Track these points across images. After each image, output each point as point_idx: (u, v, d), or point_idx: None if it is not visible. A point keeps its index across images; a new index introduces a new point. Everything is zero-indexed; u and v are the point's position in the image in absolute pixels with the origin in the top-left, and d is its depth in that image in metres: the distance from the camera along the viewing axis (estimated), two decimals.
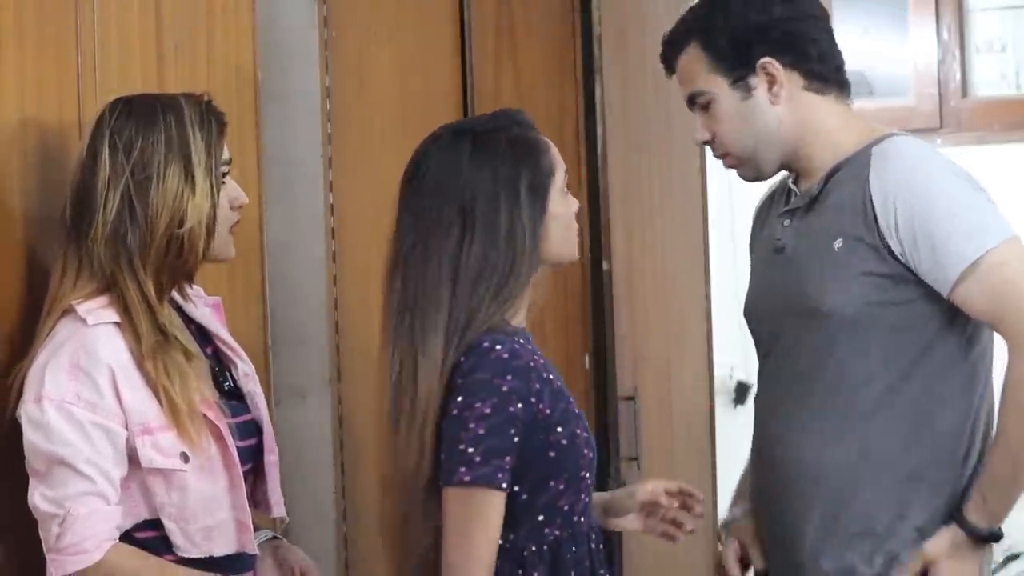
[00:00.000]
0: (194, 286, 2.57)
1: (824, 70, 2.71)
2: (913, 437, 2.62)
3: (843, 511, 2.64)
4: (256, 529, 2.55)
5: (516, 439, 2.34)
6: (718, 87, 2.70)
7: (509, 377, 2.34)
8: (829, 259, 2.63)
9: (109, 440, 2.34)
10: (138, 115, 2.43)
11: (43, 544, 2.32)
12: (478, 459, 2.31)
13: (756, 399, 2.83)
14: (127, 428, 2.35)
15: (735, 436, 3.75)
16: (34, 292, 2.46)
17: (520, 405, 2.34)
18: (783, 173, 2.81)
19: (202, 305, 2.60)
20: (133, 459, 2.36)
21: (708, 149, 2.82)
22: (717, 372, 4.79)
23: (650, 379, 4.14)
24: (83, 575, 2.31)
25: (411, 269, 2.41)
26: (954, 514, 2.59)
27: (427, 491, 2.36)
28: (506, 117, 2.49)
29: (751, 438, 2.82)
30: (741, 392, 5.77)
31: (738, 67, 2.69)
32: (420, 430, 2.35)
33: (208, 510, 2.42)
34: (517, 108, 2.55)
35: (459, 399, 2.34)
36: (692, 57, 2.72)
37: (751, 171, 2.76)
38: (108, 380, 2.35)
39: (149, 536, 2.40)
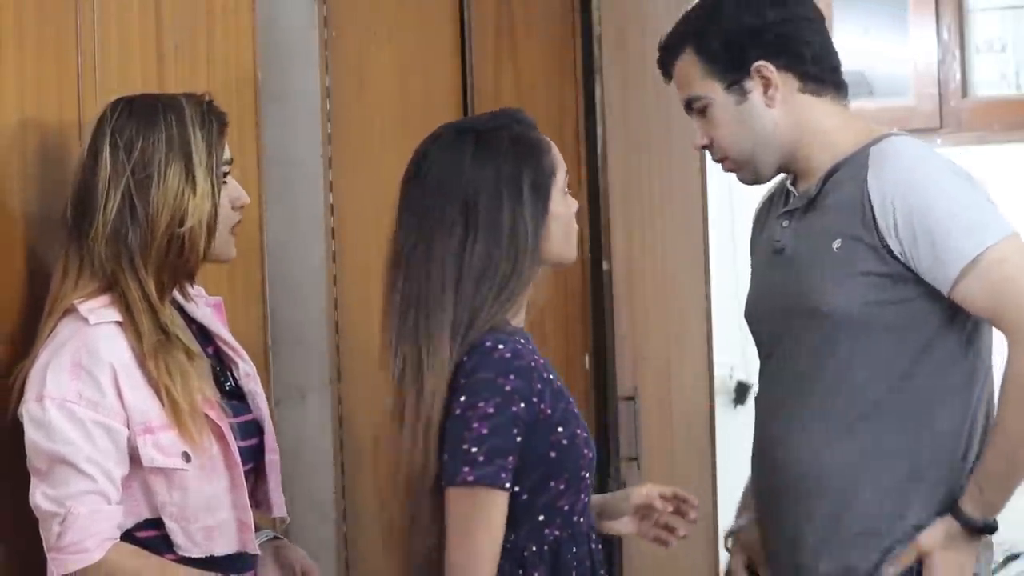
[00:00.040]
0: (195, 286, 2.57)
1: (819, 72, 2.72)
2: (913, 437, 2.62)
3: (844, 511, 2.64)
4: (256, 529, 2.55)
5: (518, 439, 2.34)
6: (714, 91, 2.71)
7: (512, 377, 2.34)
8: (828, 259, 2.63)
9: (111, 439, 2.34)
10: (139, 115, 2.43)
11: (44, 543, 2.33)
12: (481, 459, 2.31)
13: (757, 400, 2.83)
14: (129, 427, 2.36)
15: (735, 436, 3.75)
16: (34, 292, 2.47)
17: (522, 405, 2.34)
18: (783, 175, 2.81)
19: (203, 305, 2.60)
20: (134, 458, 2.36)
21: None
22: (717, 372, 4.79)
23: (650, 379, 4.14)
24: (84, 574, 2.31)
25: (414, 268, 2.40)
26: (950, 505, 2.60)
27: (433, 491, 2.35)
28: (507, 116, 2.48)
29: (752, 439, 2.82)
30: (741, 392, 5.78)
31: (732, 71, 2.69)
32: (425, 429, 2.35)
33: (209, 510, 2.42)
34: (517, 108, 2.55)
35: (462, 399, 2.33)
36: (687, 62, 2.73)
37: (749, 174, 2.76)
38: (110, 379, 2.35)
39: (150, 535, 2.40)
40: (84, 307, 2.37)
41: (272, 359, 3.11)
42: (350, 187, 3.28)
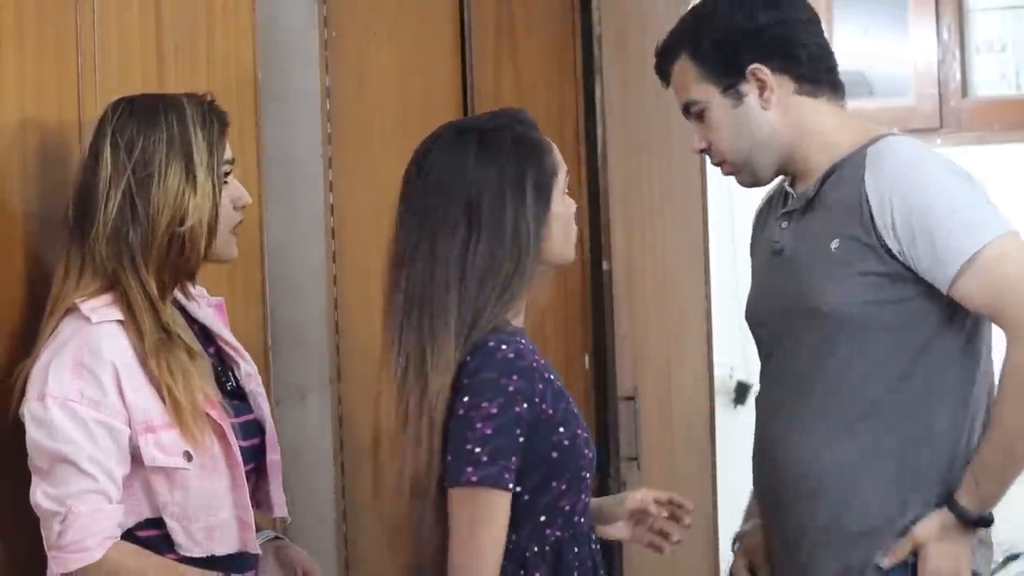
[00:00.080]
0: (197, 286, 2.57)
1: (815, 73, 2.72)
2: (913, 436, 2.62)
3: (844, 511, 2.65)
4: (257, 529, 2.55)
5: (521, 439, 2.33)
6: (710, 95, 2.72)
7: (515, 377, 2.33)
8: (826, 260, 2.64)
9: (112, 438, 2.34)
10: (140, 114, 2.43)
11: (44, 542, 2.33)
12: (485, 459, 2.31)
13: (757, 401, 2.83)
14: (130, 426, 2.36)
15: (735, 436, 3.76)
16: (34, 292, 2.47)
17: (525, 405, 2.34)
18: (782, 176, 2.81)
19: (205, 305, 2.61)
20: (136, 458, 2.37)
21: None
22: (717, 372, 4.78)
23: (650, 379, 4.14)
24: (84, 573, 2.31)
25: (417, 268, 2.39)
26: (946, 498, 2.60)
27: (437, 491, 2.35)
28: (509, 116, 2.48)
29: (752, 439, 2.82)
30: (741, 392, 5.77)
31: (728, 75, 2.70)
32: (429, 428, 2.34)
33: (210, 509, 2.42)
34: (518, 108, 2.55)
35: (465, 399, 2.33)
36: (683, 67, 2.74)
37: (748, 177, 2.77)
38: (112, 378, 2.35)
39: (151, 535, 2.40)
40: (86, 306, 2.38)
41: (272, 359, 3.11)
42: (350, 187, 3.28)
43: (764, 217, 2.87)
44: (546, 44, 3.93)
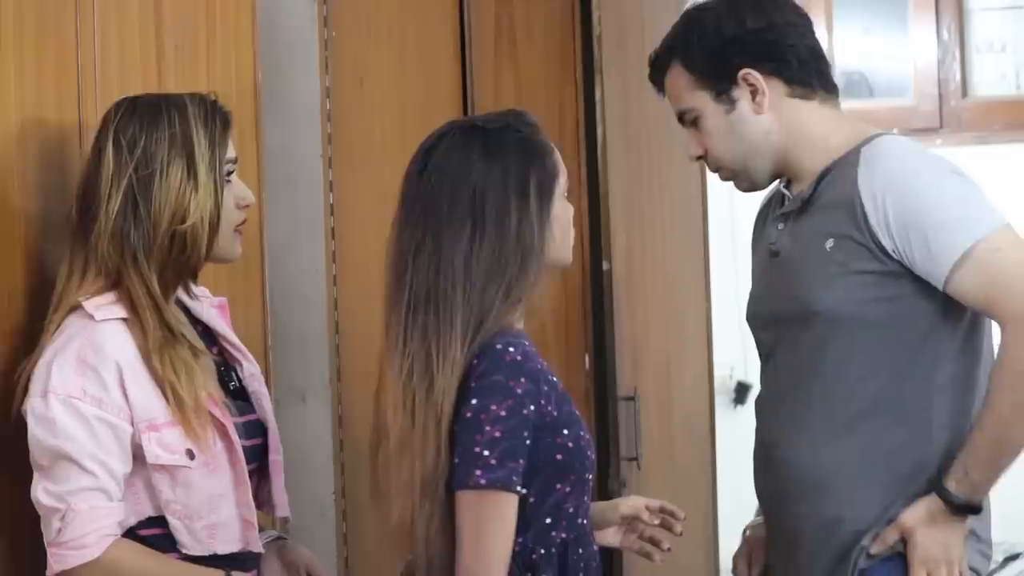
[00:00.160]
0: (200, 286, 2.57)
1: (806, 75, 2.73)
2: (913, 434, 2.63)
3: (844, 510, 2.65)
4: (260, 530, 2.55)
5: (528, 442, 2.33)
6: (703, 102, 2.73)
7: (523, 380, 2.33)
8: (822, 260, 2.65)
9: (114, 436, 2.34)
10: (142, 113, 2.44)
11: (44, 539, 2.33)
12: (493, 462, 2.29)
13: (757, 402, 2.83)
14: (133, 424, 2.36)
15: (735, 436, 3.75)
16: (35, 291, 2.47)
17: (532, 408, 2.33)
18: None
19: (208, 306, 2.61)
20: (138, 456, 2.37)
21: None
22: (717, 372, 4.78)
23: (650, 379, 4.14)
24: (83, 570, 2.32)
25: (421, 266, 2.38)
26: (934, 484, 2.60)
27: (445, 493, 2.34)
28: (514, 116, 2.47)
29: (752, 440, 2.82)
30: (741, 392, 5.78)
31: (719, 80, 2.71)
32: (436, 429, 2.33)
33: (213, 507, 2.42)
34: (521, 109, 2.54)
35: (473, 401, 2.32)
36: (676, 75, 2.76)
37: (746, 182, 2.79)
38: (115, 376, 2.35)
39: (154, 533, 2.40)
40: (90, 304, 2.38)
41: (272, 359, 3.11)
42: (350, 187, 3.28)
43: (763, 219, 2.88)
44: (546, 44, 3.93)
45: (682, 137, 2.83)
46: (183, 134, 2.43)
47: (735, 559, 2.91)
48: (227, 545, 2.45)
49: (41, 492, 2.33)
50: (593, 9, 3.91)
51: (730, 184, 2.85)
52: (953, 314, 2.62)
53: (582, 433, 2.41)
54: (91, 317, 2.37)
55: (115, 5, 2.67)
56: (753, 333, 2.84)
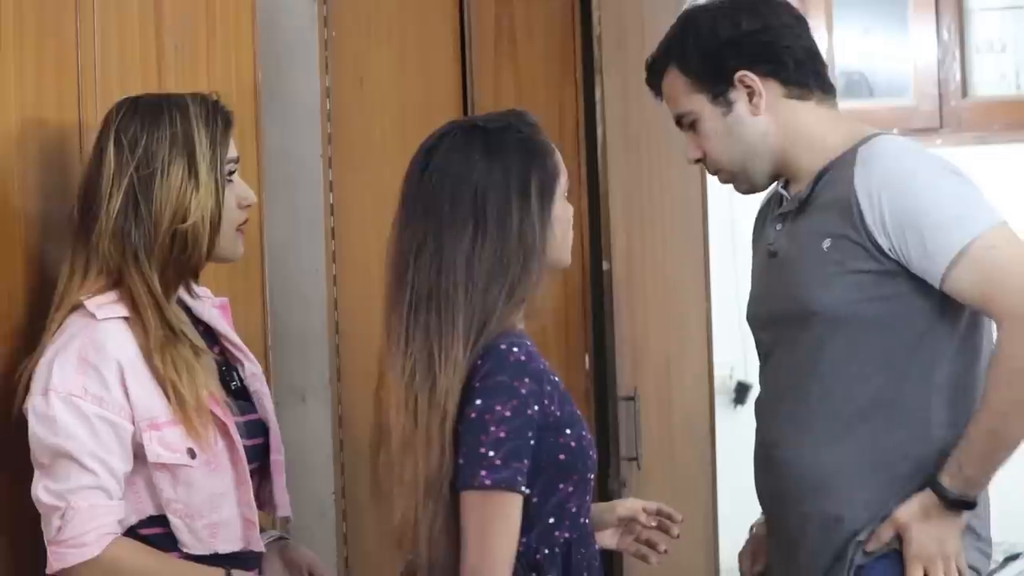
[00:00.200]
0: (201, 287, 2.57)
1: (802, 76, 2.74)
2: (911, 433, 2.63)
3: (844, 510, 2.65)
4: (261, 530, 2.55)
5: (532, 442, 2.33)
6: (700, 105, 2.74)
7: (527, 380, 2.32)
8: (819, 259, 2.65)
9: (115, 434, 2.35)
10: (144, 113, 2.44)
11: (44, 537, 2.33)
12: (499, 462, 2.29)
13: (757, 402, 2.84)
14: (134, 423, 2.36)
15: (735, 436, 3.75)
16: (35, 291, 2.47)
17: (536, 408, 2.33)
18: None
19: (210, 306, 2.61)
20: (139, 455, 2.37)
21: None
22: (717, 372, 4.78)
23: (650, 379, 4.14)
24: (83, 568, 2.32)
25: (423, 265, 2.37)
26: (928, 478, 2.60)
27: (450, 493, 2.33)
28: (515, 116, 2.47)
29: (752, 440, 2.82)
30: (741, 392, 5.78)
31: (716, 83, 2.72)
32: (440, 429, 2.33)
33: (214, 506, 2.43)
34: (522, 109, 2.54)
35: (478, 402, 2.31)
36: (672, 79, 2.77)
37: (745, 184, 2.80)
38: (116, 375, 2.36)
39: (155, 532, 2.40)
40: (91, 303, 2.38)
41: (272, 359, 3.11)
42: (350, 187, 3.28)
43: (762, 219, 2.89)
44: (546, 44, 3.93)
45: (682, 137, 2.84)
46: (184, 133, 2.44)
47: (740, 556, 2.92)
48: (228, 544, 2.45)
49: (41, 490, 2.33)
50: (593, 9, 3.91)
51: (730, 185, 2.85)
52: (950, 313, 2.62)
53: (584, 433, 2.41)
54: (92, 316, 2.37)
55: (115, 5, 2.67)
56: (753, 333, 2.84)
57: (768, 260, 2.78)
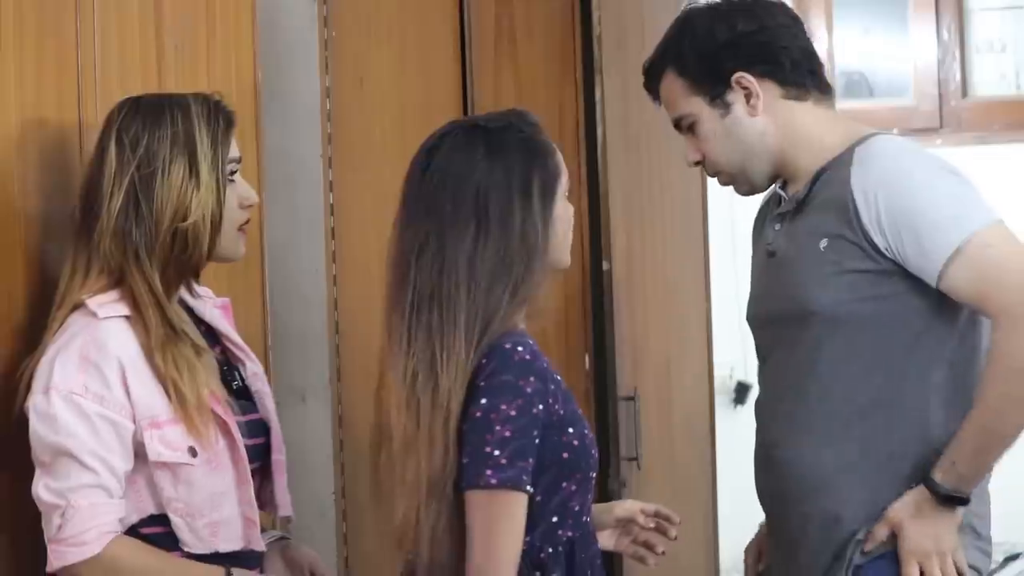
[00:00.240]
0: (202, 287, 2.57)
1: (799, 76, 2.74)
2: (911, 432, 2.63)
3: (844, 510, 2.65)
4: (263, 530, 2.55)
5: (536, 441, 2.33)
6: (698, 108, 2.75)
7: (532, 379, 2.32)
8: (816, 259, 2.65)
9: (116, 433, 2.35)
10: (145, 112, 2.45)
11: (44, 535, 2.34)
12: (504, 461, 2.29)
13: (756, 403, 2.84)
14: (135, 422, 2.36)
15: (735, 436, 3.75)
16: (35, 292, 2.47)
17: (541, 407, 2.33)
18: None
19: (211, 306, 2.61)
20: (140, 454, 2.37)
21: None
22: (717, 372, 4.78)
23: (650, 379, 4.14)
24: (83, 567, 2.32)
25: (424, 265, 2.37)
26: (922, 475, 2.60)
27: (454, 493, 2.33)
28: (516, 116, 2.47)
29: (752, 440, 2.82)
30: (741, 392, 5.77)
31: (713, 85, 2.73)
32: (443, 429, 2.32)
33: (215, 505, 2.43)
34: (523, 109, 2.54)
35: (483, 401, 2.31)
36: (670, 82, 2.77)
37: (745, 185, 2.80)
38: (117, 373, 2.36)
39: (155, 531, 2.40)
40: (93, 302, 2.39)
41: (272, 359, 3.11)
42: (350, 187, 3.28)
43: (762, 219, 2.89)
44: (546, 44, 3.93)
45: (681, 138, 2.84)
46: (185, 133, 2.44)
47: (746, 550, 2.93)
48: (229, 543, 2.45)
49: (42, 488, 2.33)
50: (593, 9, 3.91)
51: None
52: (948, 313, 2.63)
53: (586, 431, 2.41)
54: (94, 315, 2.38)
55: (115, 5, 2.67)
56: (752, 333, 2.85)
57: (767, 260, 2.79)
